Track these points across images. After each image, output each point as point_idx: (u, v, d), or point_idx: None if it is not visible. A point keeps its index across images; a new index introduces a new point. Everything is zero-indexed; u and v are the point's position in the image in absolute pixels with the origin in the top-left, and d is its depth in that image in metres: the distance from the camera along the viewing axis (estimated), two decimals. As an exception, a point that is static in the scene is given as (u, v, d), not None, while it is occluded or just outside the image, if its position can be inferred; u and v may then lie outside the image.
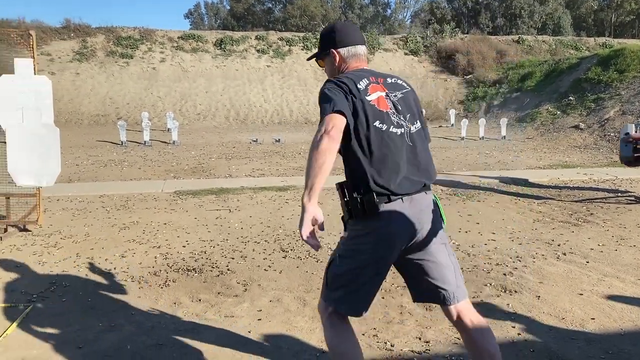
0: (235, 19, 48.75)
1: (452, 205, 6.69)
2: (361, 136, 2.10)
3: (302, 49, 25.73)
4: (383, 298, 3.75)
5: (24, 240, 5.14)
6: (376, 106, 2.13)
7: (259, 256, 4.68)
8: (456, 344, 3.07)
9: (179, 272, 4.26)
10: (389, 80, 2.27)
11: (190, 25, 56.51)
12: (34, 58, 5.07)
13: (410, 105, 2.26)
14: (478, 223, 5.79)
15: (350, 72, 2.27)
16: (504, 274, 4.20)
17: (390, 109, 2.17)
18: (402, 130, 2.17)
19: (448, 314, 2.27)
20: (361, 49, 2.33)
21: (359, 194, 2.10)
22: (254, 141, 14.80)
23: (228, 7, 52.47)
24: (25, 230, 5.46)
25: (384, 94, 2.19)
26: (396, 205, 2.10)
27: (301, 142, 14.84)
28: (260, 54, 25.20)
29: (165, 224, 5.77)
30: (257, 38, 26.21)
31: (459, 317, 2.23)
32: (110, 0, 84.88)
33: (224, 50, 25.07)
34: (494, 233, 5.40)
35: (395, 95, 2.22)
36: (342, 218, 2.23)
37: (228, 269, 4.33)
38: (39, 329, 3.24)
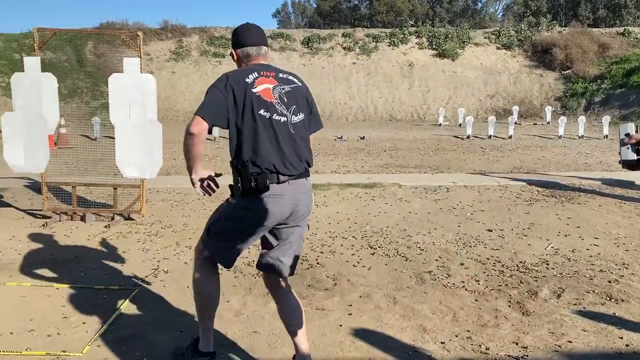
0: (322, 17, 49.21)
1: (550, 207, 6.37)
2: (245, 123, 2.40)
3: (388, 45, 25.50)
4: (476, 300, 3.64)
5: (129, 228, 5.49)
6: (262, 97, 2.42)
7: (347, 252, 4.71)
8: (557, 351, 2.92)
9: (270, 264, 4.37)
10: (281, 75, 2.56)
11: (278, 24, 57.72)
12: (140, 57, 5.41)
13: (297, 98, 2.54)
14: (579, 227, 5.46)
15: (245, 67, 2.58)
16: (609, 281, 3.94)
17: (275, 100, 2.46)
18: (285, 119, 2.47)
19: (273, 284, 2.73)
20: (253, 50, 2.59)
21: (246, 173, 2.39)
22: (339, 138, 14.89)
23: (315, 5, 53.05)
24: (130, 219, 5.84)
25: (271, 86, 2.48)
26: (279, 187, 2.43)
27: (386, 139, 14.73)
28: (347, 51, 25.26)
29: (256, 217, 5.94)
30: (343, 35, 26.29)
31: (280, 289, 2.70)
32: (205, 1, 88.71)
33: (311, 48, 25.38)
34: (596, 238, 5.08)
35: (283, 89, 2.51)
36: (231, 187, 2.50)
37: (317, 263, 4.39)
38: (144, 311, 3.46)
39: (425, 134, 16.00)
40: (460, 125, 18.17)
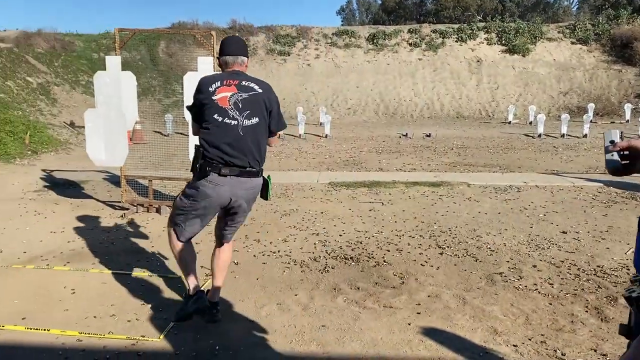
0: (387, 13, 48.75)
1: (630, 210, 6.03)
2: (203, 123, 2.99)
3: (456, 41, 24.93)
4: (550, 304, 3.51)
5: (200, 221, 5.69)
6: (218, 103, 2.95)
7: (415, 250, 4.66)
8: (640, 361, 2.76)
9: (337, 259, 4.41)
10: (243, 83, 3.02)
11: (342, 21, 57.69)
12: (213, 56, 5.57)
13: (253, 104, 2.99)
14: (662, 231, 5.14)
15: (219, 73, 3.15)
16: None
17: (229, 106, 2.96)
18: (236, 122, 2.95)
19: (219, 245, 3.34)
20: (230, 59, 3.10)
21: (200, 161, 2.96)
22: (404, 135, 14.73)
23: (379, 2, 52.64)
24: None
25: (229, 94, 2.97)
26: (220, 178, 2.96)
27: (453, 137, 14.43)
28: (412, 47, 24.92)
29: (322, 213, 6.00)
30: (409, 31, 25.95)
31: (222, 247, 3.33)
32: (272, 0, 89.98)
33: (376, 45, 25.23)
34: (682, 243, 4.76)
35: (241, 95, 2.98)
36: (191, 170, 3.06)
37: (384, 261, 4.38)
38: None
39: (494, 132, 15.55)
40: (530, 123, 17.51)
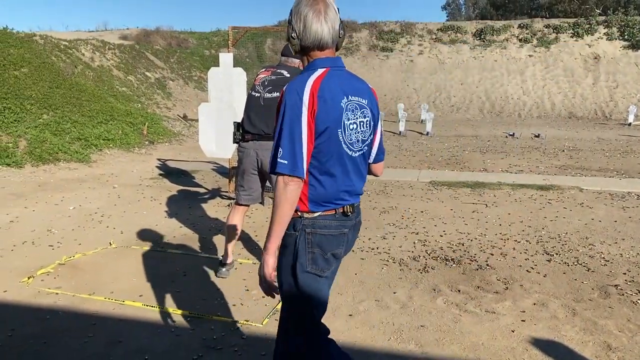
0: (495, 8, 46.75)
1: None
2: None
3: (571, 37, 23.38)
4: (675, 323, 3.21)
5: (301, 213, 5.83)
6: (254, 82, 3.83)
7: (520, 256, 4.46)
8: None
9: (437, 260, 4.33)
10: (278, 70, 3.77)
11: (447, 16, 56.19)
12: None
13: (277, 82, 3.68)
14: None
15: (269, 65, 4.16)
16: None
17: (258, 84, 3.77)
18: (259, 95, 3.73)
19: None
20: (282, 58, 3.90)
21: (239, 130, 3.82)
22: (511, 135, 14.08)
23: (488, -4, 50.61)
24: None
25: (263, 76, 3.79)
26: (245, 143, 3.77)
27: (565, 138, 13.57)
28: (522, 43, 23.71)
29: (422, 212, 5.92)
30: (520, 27, 24.72)
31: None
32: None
33: (483, 41, 24.31)
34: None
35: (270, 78, 3.75)
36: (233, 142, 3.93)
37: (487, 264, 4.23)
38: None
39: (611, 134, 14.42)
40: (654, 125, 16.04)
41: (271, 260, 1.87)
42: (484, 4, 52.21)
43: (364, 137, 2.00)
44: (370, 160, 2.13)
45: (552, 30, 23.89)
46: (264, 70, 3.86)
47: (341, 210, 1.96)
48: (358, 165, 2.00)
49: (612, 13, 24.96)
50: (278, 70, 3.77)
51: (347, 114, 1.91)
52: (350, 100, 1.93)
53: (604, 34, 23.01)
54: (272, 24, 25.76)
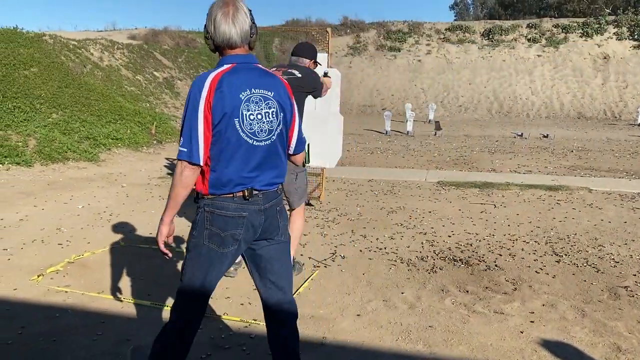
0: (503, 8, 46.53)
1: None
2: None
3: (580, 36, 23.25)
4: (686, 325, 3.18)
5: (309, 213, 5.83)
6: None
7: (529, 257, 4.44)
8: None
9: (445, 260, 4.32)
10: (289, 70, 3.75)
11: (455, 16, 55.99)
12: (328, 52, 5.68)
13: (290, 85, 3.49)
14: None
15: (281, 64, 4.06)
16: None
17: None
18: None
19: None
20: (293, 58, 3.94)
21: None
22: (519, 135, 14.03)
23: (496, -4, 50.36)
24: (309, 204, 6.19)
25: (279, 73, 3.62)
26: None
27: (574, 138, 13.50)
28: (531, 42, 23.61)
29: (429, 212, 5.90)
30: (528, 26, 24.62)
31: (292, 216, 3.86)
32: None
33: (492, 41, 24.22)
34: None
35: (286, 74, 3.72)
36: None
37: (496, 265, 4.22)
38: (324, 293, 3.66)
39: (620, 135, 14.33)
40: (665, 125, 15.92)
41: (164, 230, 2.14)
42: (492, 4, 52.00)
43: (270, 127, 2.12)
44: (290, 152, 2.29)
45: (561, 30, 23.77)
46: (274, 69, 3.82)
47: (240, 194, 2.08)
48: (265, 154, 2.12)
49: (622, 13, 24.78)
50: (289, 70, 3.77)
51: (247, 105, 2.05)
52: (254, 93, 2.07)
53: (614, 33, 22.88)
54: (279, 23, 25.81)
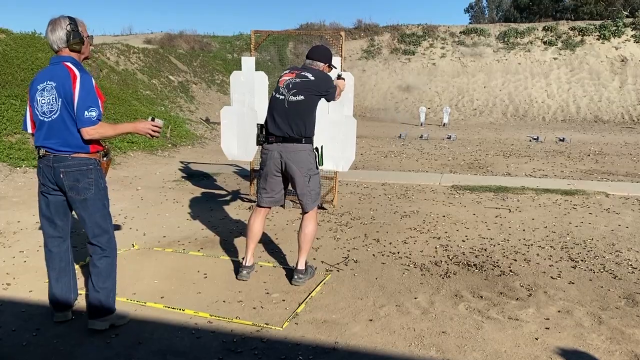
0: (519, 10, 46.18)
1: None
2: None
3: (597, 39, 22.98)
4: None
5: (321, 217, 5.82)
6: (279, 84, 3.81)
7: (544, 262, 4.38)
8: None
9: (459, 265, 4.28)
10: (302, 72, 3.80)
11: (470, 19, 55.69)
12: (341, 56, 5.67)
13: (302, 86, 3.74)
14: None
15: (293, 66, 4.17)
16: None
17: (282, 86, 3.77)
18: (283, 97, 3.74)
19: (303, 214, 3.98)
20: (307, 61, 3.93)
21: (262, 132, 3.86)
22: (535, 139, 13.89)
23: (512, -2, 49.99)
24: (322, 208, 6.18)
25: (288, 78, 3.78)
26: (268, 145, 3.80)
27: (590, 142, 13.33)
28: (547, 45, 23.39)
29: (444, 216, 5.86)
30: (544, 29, 24.39)
31: (304, 219, 3.95)
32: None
33: (507, 44, 24.04)
34: None
35: (295, 80, 3.76)
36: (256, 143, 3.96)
37: (510, 270, 4.17)
38: (337, 297, 3.65)
39: (638, 138, 14.13)
40: (684, 129, 15.66)
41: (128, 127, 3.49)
42: (507, 7, 51.64)
43: (51, 108, 2.93)
44: (78, 126, 2.92)
45: (577, 33, 23.53)
46: (288, 72, 3.86)
47: (39, 154, 3.04)
48: (52, 126, 2.94)
49: (640, 15, 24.45)
50: (302, 73, 3.80)
51: (41, 92, 2.94)
52: (47, 84, 2.93)
53: (632, 35, 22.59)
54: (294, 27, 25.89)
